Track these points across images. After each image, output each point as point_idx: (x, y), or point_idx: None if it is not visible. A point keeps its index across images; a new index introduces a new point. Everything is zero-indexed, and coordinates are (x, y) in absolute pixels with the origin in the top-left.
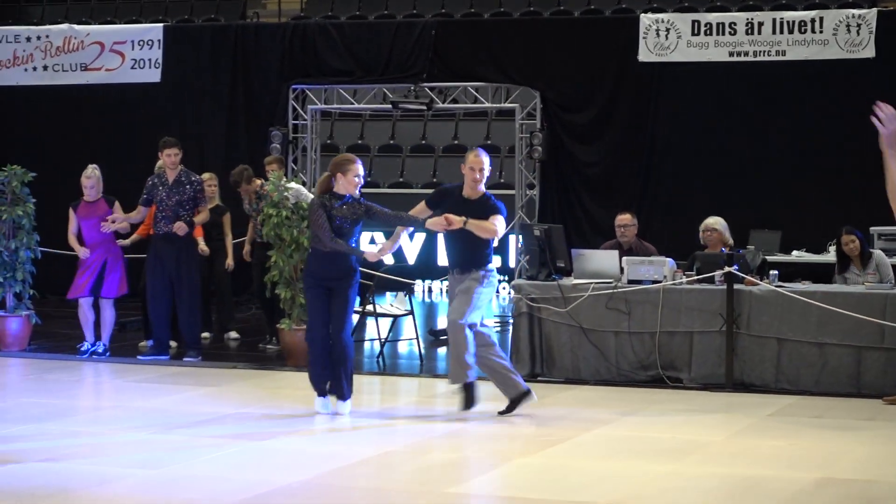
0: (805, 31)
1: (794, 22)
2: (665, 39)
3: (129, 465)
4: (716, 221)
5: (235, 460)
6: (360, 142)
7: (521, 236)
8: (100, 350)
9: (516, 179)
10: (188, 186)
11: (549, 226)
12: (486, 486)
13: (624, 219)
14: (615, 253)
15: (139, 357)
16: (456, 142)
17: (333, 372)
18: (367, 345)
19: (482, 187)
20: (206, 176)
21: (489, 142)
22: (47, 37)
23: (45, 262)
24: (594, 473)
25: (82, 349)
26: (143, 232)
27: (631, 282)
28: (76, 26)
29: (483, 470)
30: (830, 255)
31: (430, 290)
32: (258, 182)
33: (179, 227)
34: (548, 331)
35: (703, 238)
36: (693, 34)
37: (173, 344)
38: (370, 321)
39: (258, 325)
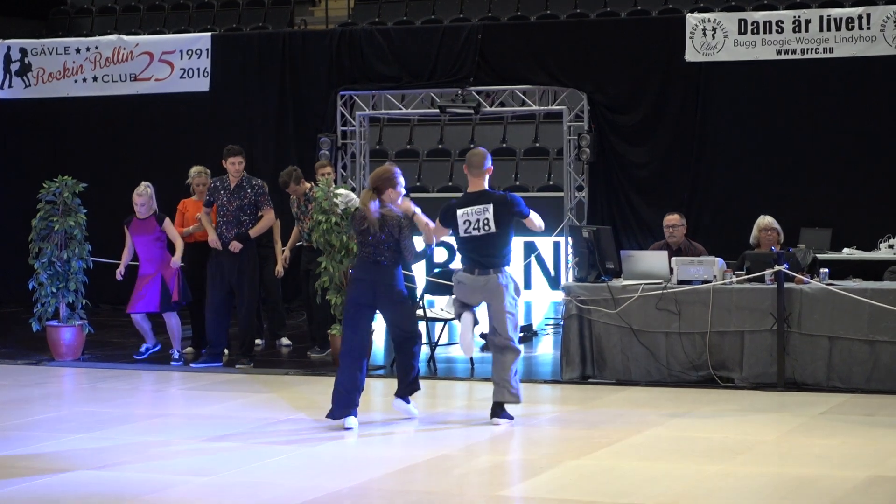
0: (852, 27)
1: (841, 19)
2: (712, 39)
3: (182, 472)
4: (773, 221)
5: (287, 466)
6: (408, 147)
7: (570, 238)
8: (175, 356)
9: (565, 182)
10: (249, 191)
11: (597, 227)
12: (538, 488)
13: (672, 219)
14: (664, 254)
15: (192, 365)
16: (504, 145)
17: None
18: None
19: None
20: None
21: (537, 144)
22: (97, 48)
23: (97, 272)
24: (645, 475)
25: (140, 351)
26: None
27: (681, 282)
28: (125, 37)
29: (534, 472)
30: (881, 253)
31: None
32: (307, 185)
33: (234, 247)
34: (598, 332)
35: (760, 237)
36: (740, 33)
37: (224, 351)
38: (420, 325)
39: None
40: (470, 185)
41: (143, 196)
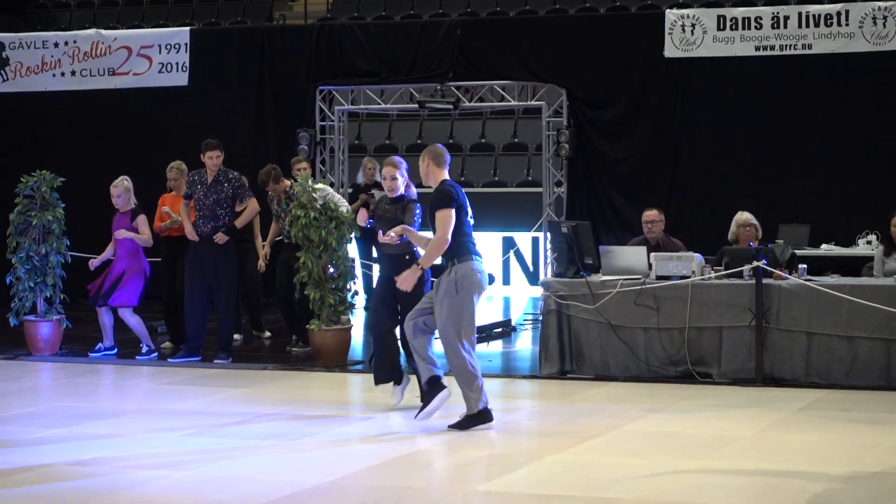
0: (831, 24)
1: (819, 15)
2: (691, 35)
3: (160, 466)
4: (751, 217)
5: (266, 461)
6: (387, 142)
7: (549, 234)
8: (144, 350)
9: (544, 177)
10: (226, 185)
11: (576, 223)
12: (516, 483)
13: (651, 215)
14: (643, 249)
15: (169, 359)
16: (483, 140)
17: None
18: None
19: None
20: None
21: (516, 140)
22: (75, 42)
23: (75, 267)
24: (624, 470)
25: (96, 348)
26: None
27: (659, 278)
28: (104, 31)
29: (513, 467)
30: (860, 249)
31: None
32: (287, 182)
33: (219, 238)
34: (577, 328)
35: (739, 233)
36: (719, 29)
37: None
38: None
39: None
40: (445, 176)
41: (118, 188)
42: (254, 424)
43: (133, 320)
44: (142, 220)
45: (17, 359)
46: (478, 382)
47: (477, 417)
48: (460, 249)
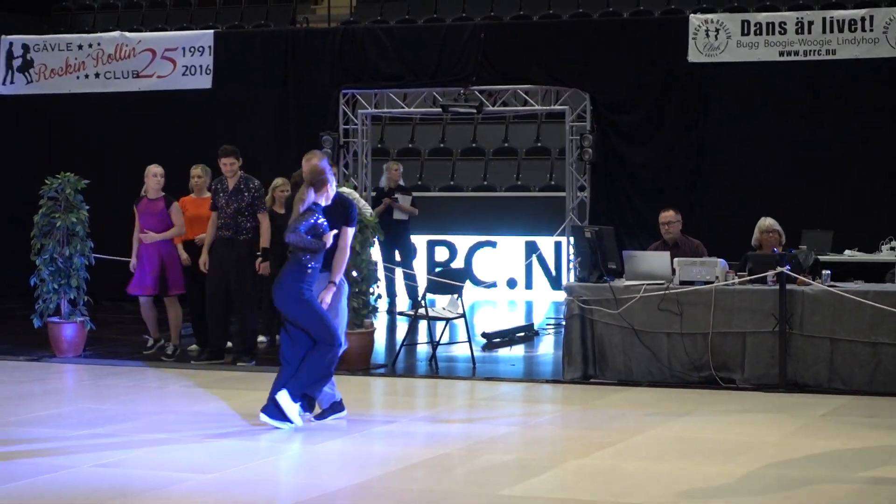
0: (855, 29)
1: (844, 21)
2: (715, 40)
3: (186, 468)
4: (774, 222)
5: (290, 464)
6: (410, 145)
7: (572, 238)
8: (169, 350)
9: (567, 182)
10: (246, 194)
11: (600, 227)
12: (540, 488)
13: (667, 215)
14: (666, 254)
15: (193, 362)
16: (506, 144)
17: None
18: (419, 348)
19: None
20: (278, 181)
21: (539, 144)
22: (99, 44)
23: (99, 269)
24: (646, 475)
25: (147, 346)
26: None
27: (683, 283)
28: (128, 34)
29: (536, 472)
30: (883, 255)
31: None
32: None
33: (264, 270)
34: (600, 332)
35: (762, 239)
36: (743, 34)
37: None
38: (422, 324)
39: None
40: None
41: (157, 175)
42: (277, 427)
43: (175, 310)
44: (175, 208)
45: (41, 360)
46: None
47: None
48: None
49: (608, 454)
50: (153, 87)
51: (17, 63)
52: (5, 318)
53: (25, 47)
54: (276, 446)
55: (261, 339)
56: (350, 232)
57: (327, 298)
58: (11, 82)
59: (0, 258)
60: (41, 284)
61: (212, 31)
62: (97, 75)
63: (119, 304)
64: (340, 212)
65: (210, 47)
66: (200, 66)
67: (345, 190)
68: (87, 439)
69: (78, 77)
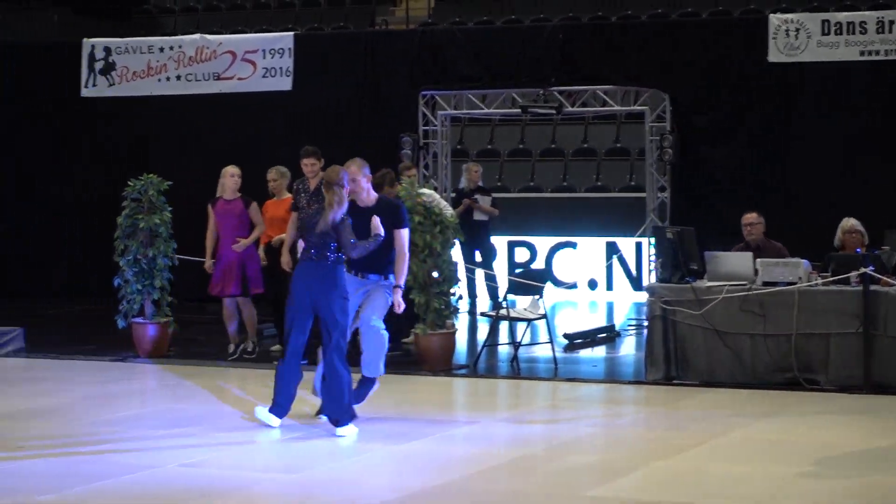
0: None
1: None
2: (795, 39)
3: (269, 469)
4: (857, 223)
5: (374, 464)
6: (489, 146)
7: (652, 239)
8: (249, 348)
9: (647, 182)
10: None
11: (681, 228)
12: (624, 489)
13: (750, 217)
14: (749, 255)
15: (275, 362)
16: (585, 145)
17: None
18: (501, 349)
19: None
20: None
21: (618, 144)
22: (180, 47)
23: (182, 269)
24: (730, 477)
25: (230, 353)
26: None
27: (765, 284)
28: (208, 36)
29: (620, 473)
30: None
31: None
32: (399, 187)
33: None
34: (682, 333)
35: (844, 239)
36: (823, 34)
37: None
38: (503, 325)
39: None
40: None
41: (235, 176)
42: (361, 428)
43: (250, 310)
44: (254, 208)
45: (126, 360)
46: None
47: None
48: None
49: (691, 456)
50: (234, 88)
51: (98, 66)
52: (90, 319)
53: (107, 50)
54: (359, 447)
55: None
56: (404, 234)
57: (398, 299)
58: (94, 85)
59: (84, 260)
60: (125, 285)
61: (292, 33)
62: (178, 77)
63: (201, 305)
64: (388, 215)
65: (290, 49)
66: (281, 68)
67: (424, 191)
68: (170, 439)
69: (159, 79)
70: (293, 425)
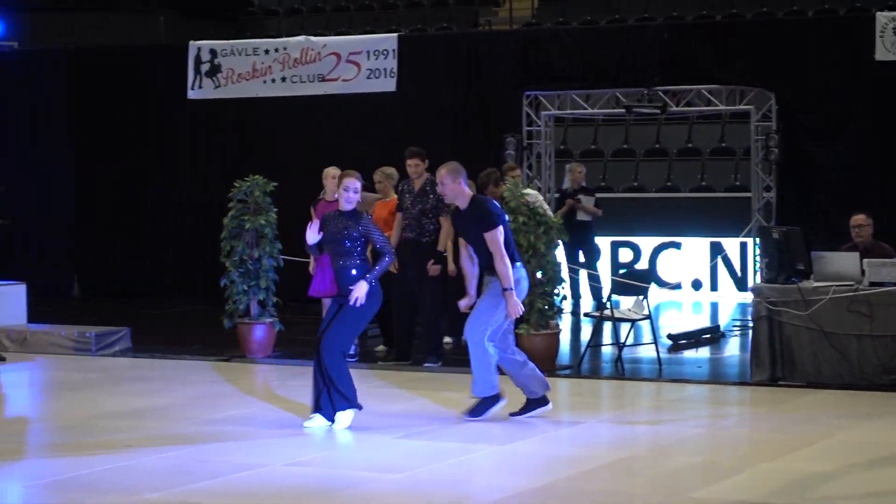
0: None
1: None
2: None
3: (374, 468)
4: None
5: (477, 464)
6: (593, 146)
7: (758, 239)
8: (351, 351)
9: (752, 182)
10: (432, 196)
11: (787, 228)
12: (729, 491)
13: (859, 219)
14: (856, 255)
15: (380, 363)
16: (690, 145)
17: None
18: (604, 349)
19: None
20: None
21: (723, 144)
22: (285, 49)
23: (287, 270)
24: (837, 479)
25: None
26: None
27: (873, 284)
28: (313, 38)
29: (726, 475)
30: None
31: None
32: (504, 187)
33: (434, 271)
34: (788, 334)
35: None
36: None
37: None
38: (607, 326)
39: None
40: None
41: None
42: (464, 428)
43: None
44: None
45: (231, 360)
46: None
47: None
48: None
49: (798, 457)
50: (339, 90)
51: (204, 68)
52: (196, 319)
53: (213, 52)
54: (462, 447)
55: (446, 340)
56: (493, 235)
57: (512, 300)
58: (200, 87)
59: (191, 260)
60: (231, 286)
61: (396, 34)
62: (283, 79)
63: (306, 306)
64: (476, 217)
65: (394, 51)
66: (385, 70)
67: (528, 192)
68: (276, 438)
69: (265, 81)
70: (397, 425)
